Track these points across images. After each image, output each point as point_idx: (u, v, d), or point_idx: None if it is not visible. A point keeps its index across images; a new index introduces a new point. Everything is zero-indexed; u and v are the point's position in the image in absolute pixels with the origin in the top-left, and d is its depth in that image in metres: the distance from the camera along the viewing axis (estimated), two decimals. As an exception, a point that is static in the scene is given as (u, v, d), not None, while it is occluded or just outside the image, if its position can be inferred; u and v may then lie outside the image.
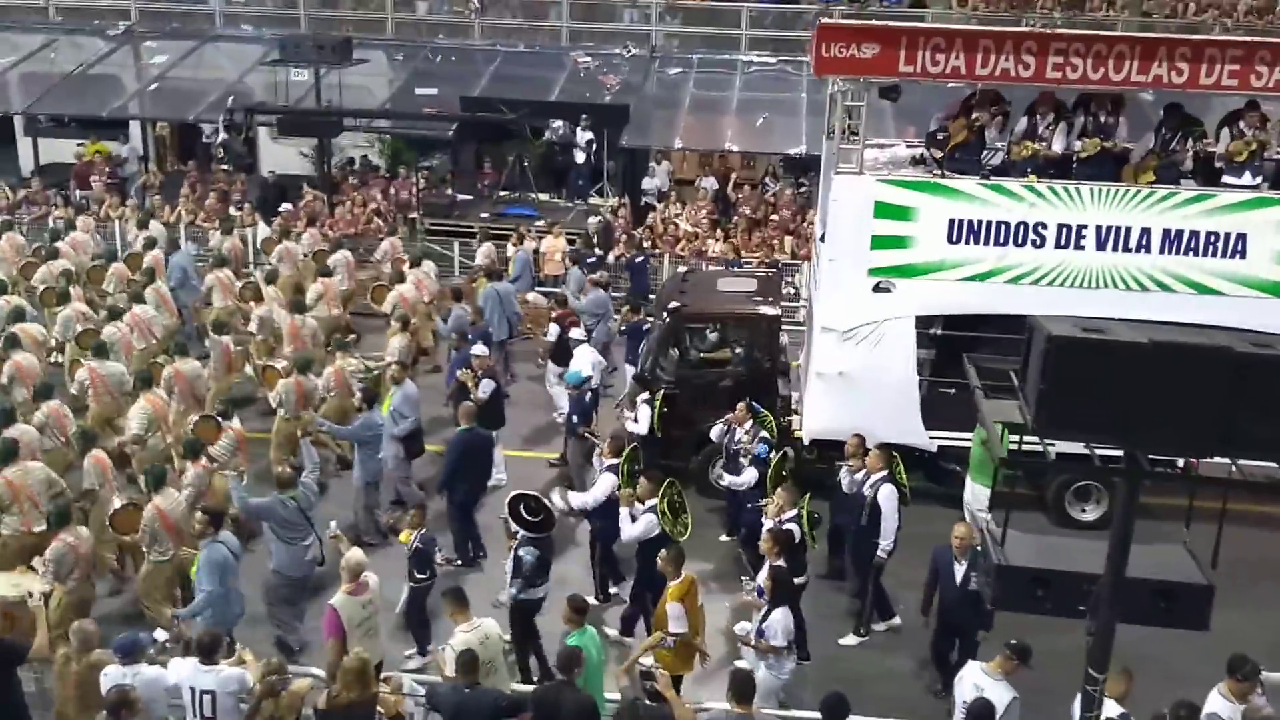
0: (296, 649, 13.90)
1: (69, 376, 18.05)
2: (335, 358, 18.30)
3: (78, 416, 16.74)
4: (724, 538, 16.59)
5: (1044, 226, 16.27)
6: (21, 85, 32.32)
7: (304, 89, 29.00)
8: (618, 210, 28.19)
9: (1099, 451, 9.60)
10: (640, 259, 25.27)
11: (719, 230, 27.55)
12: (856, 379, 16.84)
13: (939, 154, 17.16)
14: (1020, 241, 16.35)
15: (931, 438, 17.11)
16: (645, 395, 17.19)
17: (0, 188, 29.47)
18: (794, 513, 13.83)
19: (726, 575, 15.78)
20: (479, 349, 18.34)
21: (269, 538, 14.17)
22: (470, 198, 30.05)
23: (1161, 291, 16.23)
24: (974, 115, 17.01)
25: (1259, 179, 16.32)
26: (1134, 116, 17.76)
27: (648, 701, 11.04)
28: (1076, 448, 9.69)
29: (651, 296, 22.34)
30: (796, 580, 13.49)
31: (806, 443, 17.47)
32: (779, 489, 14.37)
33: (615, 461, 15.03)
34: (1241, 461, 8.15)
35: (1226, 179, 16.43)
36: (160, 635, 11.80)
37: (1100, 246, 16.25)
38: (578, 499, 15.25)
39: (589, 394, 17.80)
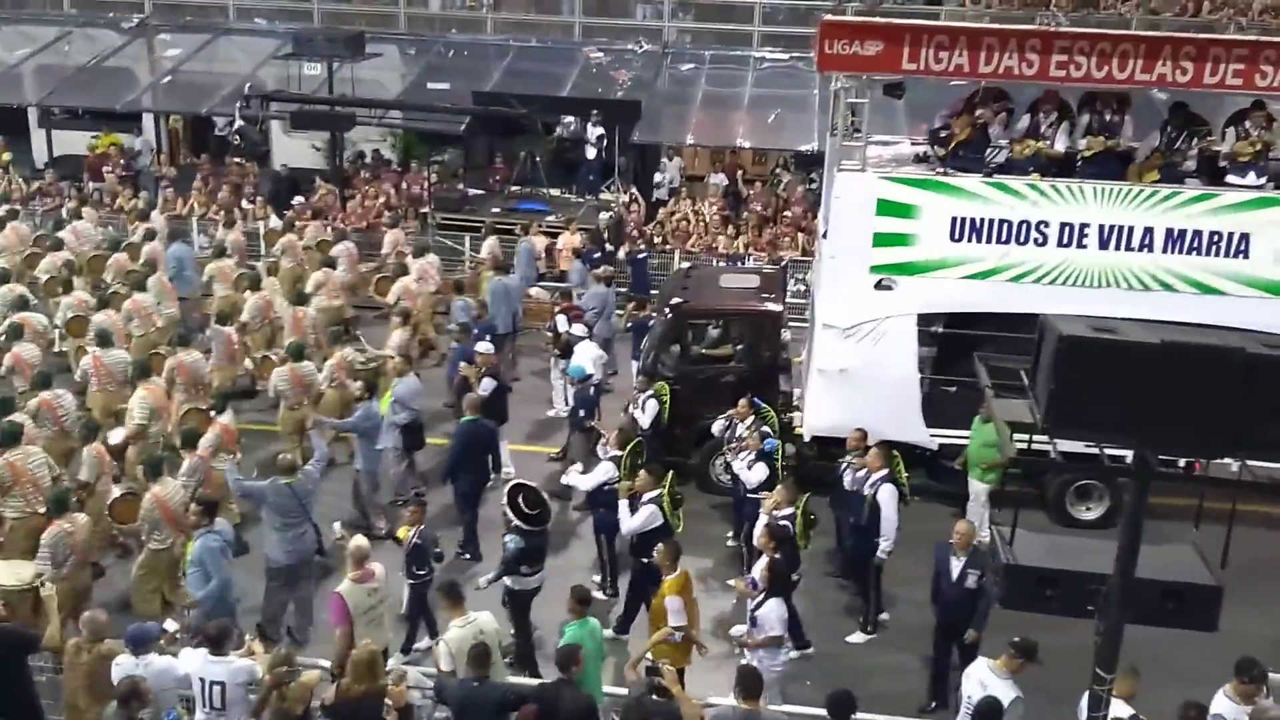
0: (274, 639, 13.84)
1: (74, 363, 18.14)
2: (336, 348, 18.38)
3: (79, 403, 16.82)
4: (730, 542, 16.57)
5: (1046, 225, 16.25)
6: (36, 77, 32.50)
7: (317, 83, 29.16)
8: (629, 206, 28.24)
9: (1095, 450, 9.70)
10: (641, 255, 25.28)
11: (729, 226, 27.60)
12: (858, 376, 16.83)
13: (942, 151, 17.15)
14: (1023, 240, 16.33)
15: (932, 436, 17.11)
16: (650, 391, 17.22)
17: (14, 179, 29.52)
18: (790, 510, 13.86)
19: (724, 570, 15.84)
20: (484, 346, 18.36)
21: (264, 525, 14.25)
22: (482, 193, 30.03)
23: (1164, 291, 16.19)
24: (977, 113, 17.01)
25: (1264, 179, 16.27)
26: (1147, 114, 17.78)
27: (654, 697, 11.06)
28: (1076, 446, 9.84)
29: (653, 292, 22.36)
30: (792, 577, 13.46)
31: (807, 439, 17.47)
32: (778, 485, 14.44)
33: (619, 453, 15.10)
34: (1252, 462, 8.18)
35: (1231, 178, 16.39)
36: (170, 626, 11.84)
37: (1103, 245, 16.23)
38: (575, 479, 15.42)
39: (592, 388, 17.86)
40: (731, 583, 14.06)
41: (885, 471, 14.55)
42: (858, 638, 14.89)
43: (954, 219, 16.36)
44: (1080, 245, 16.25)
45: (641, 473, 14.35)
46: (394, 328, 19.52)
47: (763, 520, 13.81)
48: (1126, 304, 15.23)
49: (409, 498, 15.83)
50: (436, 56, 32.89)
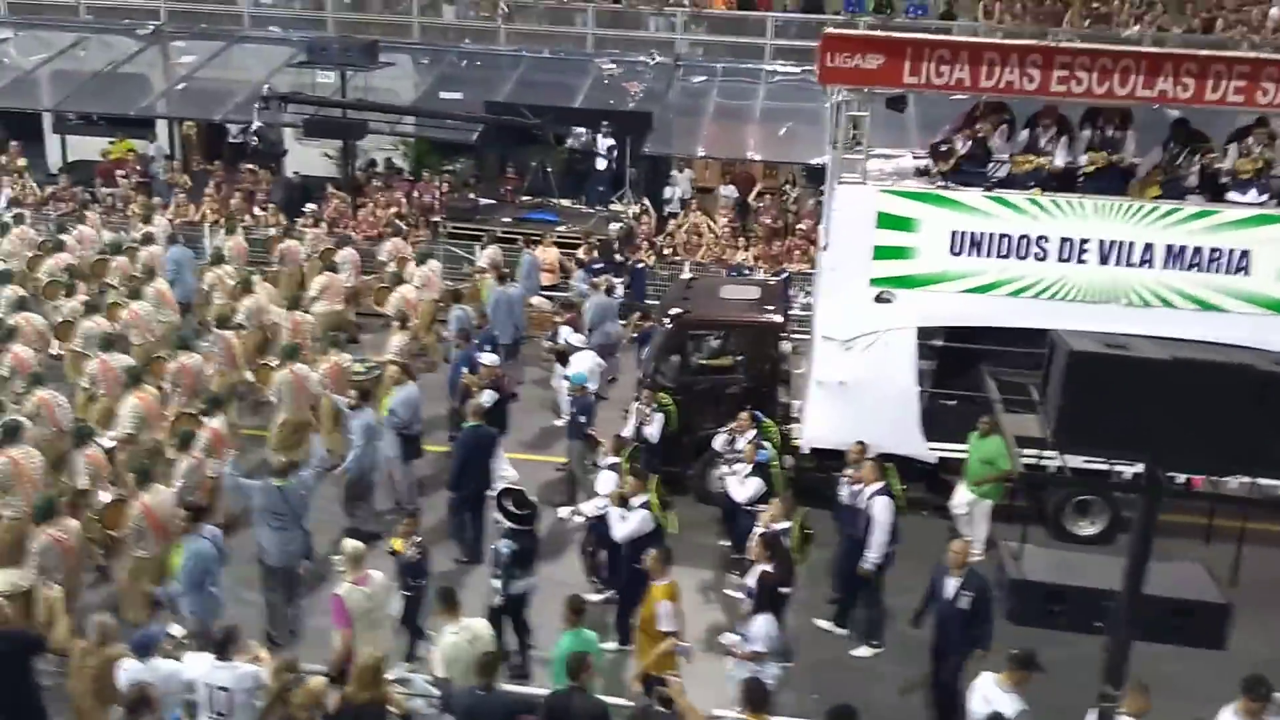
0: (281, 643, 13.90)
1: (70, 370, 18.24)
2: (331, 353, 18.42)
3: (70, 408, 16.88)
4: (729, 551, 16.53)
5: (1046, 239, 16.26)
6: (51, 83, 32.71)
7: (330, 91, 29.21)
8: (639, 217, 28.29)
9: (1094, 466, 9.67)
10: (640, 265, 25.29)
11: (739, 239, 27.62)
12: (857, 389, 16.85)
13: (944, 166, 17.15)
14: (1022, 254, 16.34)
15: (931, 449, 17.09)
16: (655, 405, 17.22)
17: (28, 183, 29.69)
18: (786, 524, 13.84)
19: (719, 581, 15.89)
20: (489, 357, 18.42)
21: (255, 525, 14.32)
22: (493, 202, 30.11)
23: (1164, 307, 16.17)
24: (976, 126, 17.05)
25: (1265, 196, 16.25)
26: (1155, 130, 17.76)
27: (659, 708, 11.05)
28: (1074, 461, 9.80)
29: (650, 303, 22.31)
30: (783, 590, 13.42)
31: (806, 451, 17.47)
32: (775, 498, 14.43)
33: (616, 460, 15.11)
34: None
35: (1232, 195, 16.37)
36: (176, 631, 11.90)
37: (1103, 260, 16.23)
38: (587, 508, 15.36)
39: (591, 395, 17.98)
40: (729, 591, 14.01)
41: (880, 484, 14.52)
42: (864, 651, 14.84)
43: (954, 233, 16.38)
44: (1080, 260, 16.24)
45: (629, 478, 14.39)
46: (393, 332, 19.63)
47: (758, 530, 13.78)
48: (1126, 320, 15.19)
49: (410, 510, 15.84)
50: (449, 66, 32.94)
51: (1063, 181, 16.70)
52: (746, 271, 25.05)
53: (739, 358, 18.29)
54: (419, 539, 13.63)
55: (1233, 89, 15.58)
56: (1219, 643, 8.59)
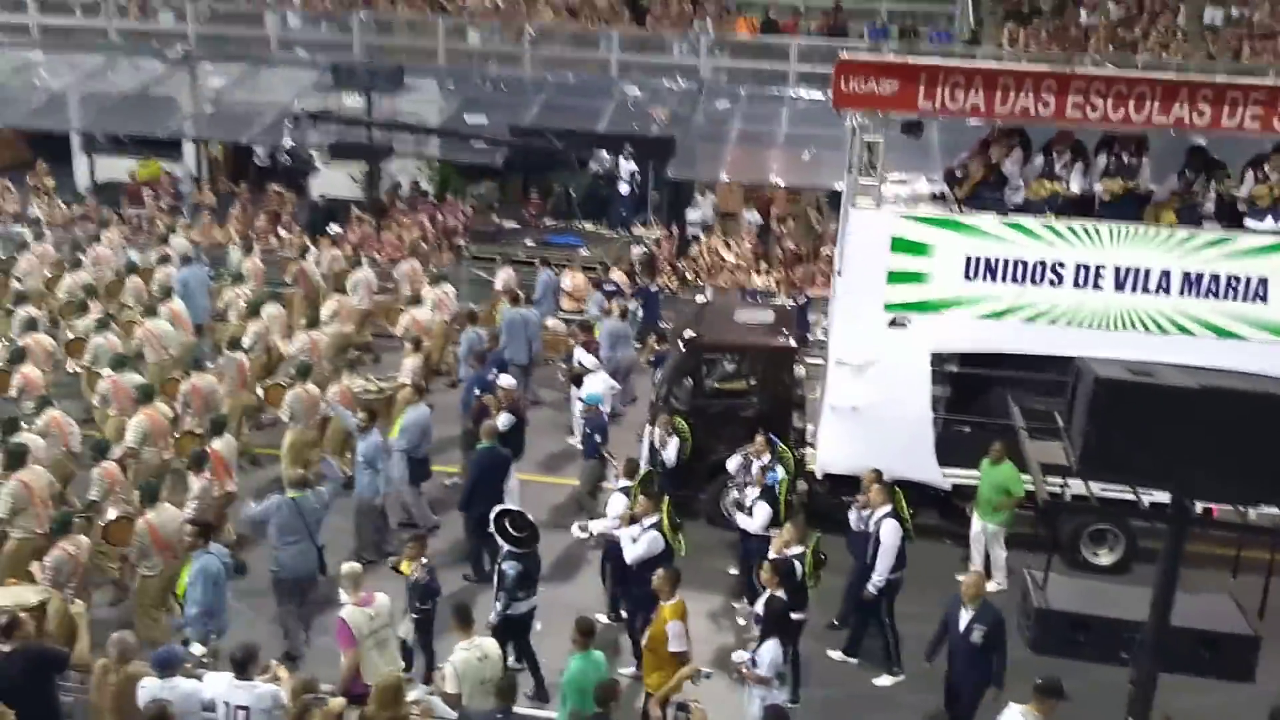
0: (298, 655, 14.02)
1: (86, 388, 18.35)
2: (342, 376, 18.47)
3: (87, 427, 17.05)
4: (733, 570, 16.51)
5: (1062, 265, 16.14)
6: (80, 104, 33.16)
7: (355, 114, 29.35)
8: (661, 242, 28.37)
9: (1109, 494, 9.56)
10: (653, 289, 25.38)
11: (761, 263, 27.66)
12: (870, 414, 16.74)
13: (960, 191, 17.12)
14: (1038, 280, 16.22)
15: (945, 475, 16.97)
16: (670, 428, 17.20)
17: (55, 203, 29.97)
18: (799, 550, 13.78)
19: (727, 604, 15.87)
20: (507, 380, 18.44)
21: (269, 540, 14.38)
22: (517, 225, 30.25)
23: (1180, 334, 16.05)
24: (989, 151, 17.04)
25: (1282, 223, 16.16)
26: (1173, 155, 17.71)
27: None
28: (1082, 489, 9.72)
29: (664, 326, 22.37)
30: (796, 616, 13.41)
31: (820, 476, 17.40)
32: (788, 522, 14.40)
33: (629, 484, 15.13)
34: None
35: (1249, 222, 16.28)
36: (197, 649, 11.91)
37: (1119, 287, 16.09)
38: (597, 525, 15.37)
39: (605, 415, 18.05)
40: (738, 608, 13.93)
41: (889, 507, 14.48)
42: (885, 680, 14.70)
43: (968, 258, 16.27)
44: (1096, 287, 16.12)
45: (640, 499, 14.38)
46: (406, 354, 19.70)
47: (771, 555, 13.73)
48: (1143, 347, 14.98)
49: (424, 531, 15.85)
50: (474, 90, 33.19)
51: (1079, 207, 16.62)
52: (768, 297, 25.04)
53: (752, 381, 18.23)
54: (426, 560, 13.58)
55: (1249, 115, 15.47)
56: (1247, 675, 8.55)
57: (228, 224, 29.06)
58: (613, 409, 19.17)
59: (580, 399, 18.71)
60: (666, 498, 14.66)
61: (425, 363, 20.07)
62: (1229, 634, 8.65)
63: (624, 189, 29.66)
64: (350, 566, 12.54)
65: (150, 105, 32.56)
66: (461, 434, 18.86)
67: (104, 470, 15.13)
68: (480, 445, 16.40)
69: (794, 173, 29.97)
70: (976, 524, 16.41)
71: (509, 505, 14.37)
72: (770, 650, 12.22)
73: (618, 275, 25.36)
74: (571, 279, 25.47)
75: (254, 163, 30.97)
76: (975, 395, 16.88)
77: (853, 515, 15.09)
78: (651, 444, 17.25)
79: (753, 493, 15.51)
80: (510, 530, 13.53)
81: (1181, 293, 16.04)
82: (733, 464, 16.65)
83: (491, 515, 13.87)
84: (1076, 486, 10.64)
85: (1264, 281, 15.87)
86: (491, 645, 12.00)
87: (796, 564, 13.59)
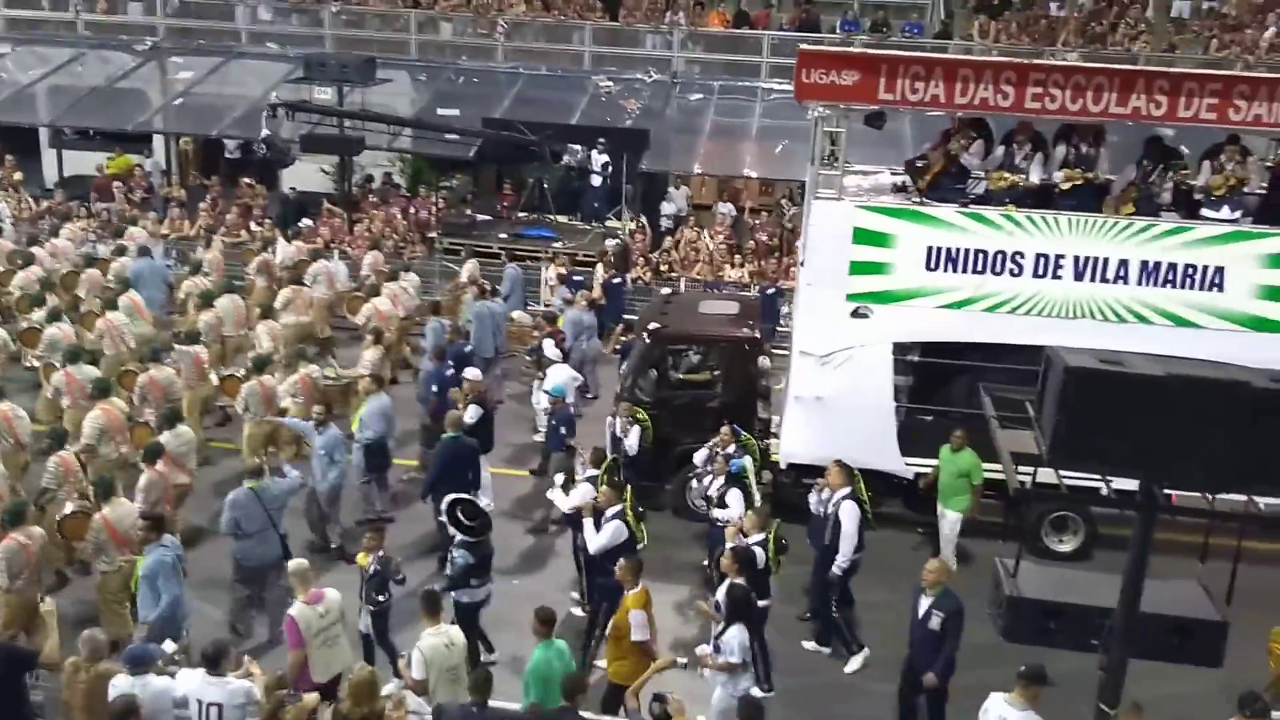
0: (244, 634, 14.11)
1: (44, 380, 18.29)
2: (300, 365, 18.45)
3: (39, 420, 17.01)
4: (705, 562, 16.48)
5: (1021, 255, 16.26)
6: (48, 98, 32.95)
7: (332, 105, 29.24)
8: (634, 234, 28.34)
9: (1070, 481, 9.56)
10: (617, 280, 25.37)
11: (734, 255, 27.65)
12: (833, 404, 16.83)
13: (922, 182, 17.15)
14: (998, 270, 16.33)
15: (908, 464, 17.04)
16: (630, 416, 17.20)
17: (23, 198, 29.79)
18: (760, 536, 13.78)
19: (696, 596, 15.74)
20: (472, 373, 18.39)
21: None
22: (489, 218, 30.17)
23: (1139, 323, 16.17)
24: (949, 143, 17.08)
25: (1238, 213, 16.25)
26: (1131, 146, 17.77)
27: None
28: (1045, 476, 9.72)
29: (630, 318, 22.46)
30: (761, 603, 13.44)
31: (784, 466, 17.44)
32: (749, 511, 14.38)
33: (595, 473, 15.13)
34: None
35: (1205, 212, 16.38)
36: (169, 646, 11.82)
37: (1078, 277, 16.22)
38: (557, 497, 15.40)
39: (570, 407, 18.10)
40: (698, 604, 13.98)
41: (848, 489, 14.53)
42: (855, 664, 14.78)
43: (929, 248, 16.38)
44: (1055, 276, 16.23)
45: (603, 489, 14.40)
46: (366, 346, 19.74)
47: (730, 544, 13.72)
48: (1102, 336, 15.16)
49: (374, 518, 15.82)
50: (447, 83, 33.12)
51: (1038, 198, 16.68)
52: (737, 289, 25.04)
53: (716, 372, 18.30)
54: (383, 552, 13.49)
55: (1205, 106, 15.63)
56: (1215, 661, 8.58)
57: (198, 218, 28.84)
58: (575, 405, 19.09)
59: (545, 391, 18.70)
60: (629, 487, 14.65)
61: (385, 354, 20.03)
62: (1198, 620, 8.68)
63: (596, 182, 29.62)
64: (298, 564, 12.52)
65: (119, 98, 32.34)
66: (420, 429, 18.84)
67: (60, 459, 15.07)
68: (445, 436, 16.34)
69: (766, 165, 29.99)
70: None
71: (463, 495, 14.27)
72: (736, 634, 12.19)
73: (555, 270, 25.37)
74: (556, 271, 25.47)
75: (225, 156, 30.91)
76: (938, 385, 16.94)
77: (813, 498, 15.17)
78: (613, 433, 17.24)
79: (718, 483, 15.50)
80: (462, 519, 13.50)
81: (1140, 282, 16.18)
82: (699, 457, 16.67)
83: (444, 504, 13.86)
84: (1042, 474, 10.75)
85: (1220, 270, 16.00)
86: (458, 633, 12.01)
87: (758, 551, 13.60)
